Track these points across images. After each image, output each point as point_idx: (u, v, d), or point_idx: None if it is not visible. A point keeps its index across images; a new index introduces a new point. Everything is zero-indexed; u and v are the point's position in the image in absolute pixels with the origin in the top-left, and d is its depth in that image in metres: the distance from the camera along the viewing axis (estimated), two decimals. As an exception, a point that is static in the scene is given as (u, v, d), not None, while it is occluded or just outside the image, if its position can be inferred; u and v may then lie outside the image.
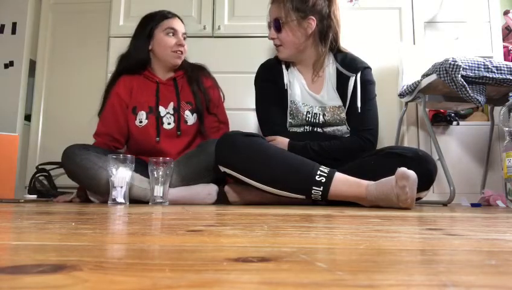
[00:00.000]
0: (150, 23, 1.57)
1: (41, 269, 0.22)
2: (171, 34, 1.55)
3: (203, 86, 1.59)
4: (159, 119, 1.53)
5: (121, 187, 1.23)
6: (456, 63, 1.42)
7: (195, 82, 1.59)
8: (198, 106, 1.56)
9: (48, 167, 2.01)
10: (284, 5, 1.37)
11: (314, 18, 1.37)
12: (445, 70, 1.44)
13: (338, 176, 1.13)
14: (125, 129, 1.56)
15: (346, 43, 1.50)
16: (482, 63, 1.45)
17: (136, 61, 1.57)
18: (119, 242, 0.35)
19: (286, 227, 0.49)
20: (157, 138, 1.51)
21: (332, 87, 1.43)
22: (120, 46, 1.70)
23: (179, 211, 0.89)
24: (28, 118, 2.11)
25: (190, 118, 1.56)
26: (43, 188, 1.96)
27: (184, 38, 1.60)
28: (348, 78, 1.40)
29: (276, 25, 1.40)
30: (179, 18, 1.61)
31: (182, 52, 1.57)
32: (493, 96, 1.66)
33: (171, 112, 1.55)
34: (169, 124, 1.54)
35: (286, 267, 0.23)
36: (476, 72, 1.43)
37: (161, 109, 1.55)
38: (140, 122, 1.53)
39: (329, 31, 1.40)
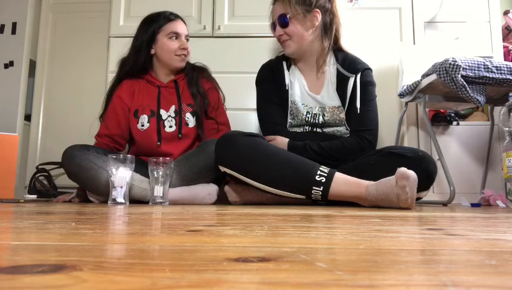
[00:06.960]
0: (152, 26, 1.55)
1: (41, 269, 0.22)
2: (174, 38, 1.54)
3: (201, 89, 1.59)
4: (160, 123, 1.53)
5: (121, 187, 1.23)
6: (456, 63, 1.42)
7: (195, 84, 1.59)
8: (197, 111, 1.56)
9: (47, 167, 2.01)
10: (289, 1, 1.39)
11: (318, 11, 1.40)
12: (445, 70, 1.44)
13: (338, 176, 1.13)
14: (127, 132, 1.56)
15: (346, 43, 1.50)
16: (482, 63, 1.45)
17: (137, 65, 1.56)
18: (119, 242, 0.35)
19: (286, 227, 0.49)
20: (159, 143, 1.51)
21: (332, 87, 1.44)
22: (120, 46, 1.70)
23: (179, 211, 0.89)
24: (28, 118, 2.11)
25: (191, 120, 1.56)
26: (43, 188, 1.96)
27: (187, 40, 1.59)
28: (348, 78, 1.41)
29: (283, 20, 1.41)
30: (181, 19, 1.60)
31: (185, 54, 1.57)
32: (493, 96, 1.66)
33: (173, 115, 1.55)
34: (170, 127, 1.54)
35: (286, 267, 0.23)
36: (476, 72, 1.43)
37: (163, 112, 1.54)
38: (142, 125, 1.53)
39: (332, 24, 1.43)
